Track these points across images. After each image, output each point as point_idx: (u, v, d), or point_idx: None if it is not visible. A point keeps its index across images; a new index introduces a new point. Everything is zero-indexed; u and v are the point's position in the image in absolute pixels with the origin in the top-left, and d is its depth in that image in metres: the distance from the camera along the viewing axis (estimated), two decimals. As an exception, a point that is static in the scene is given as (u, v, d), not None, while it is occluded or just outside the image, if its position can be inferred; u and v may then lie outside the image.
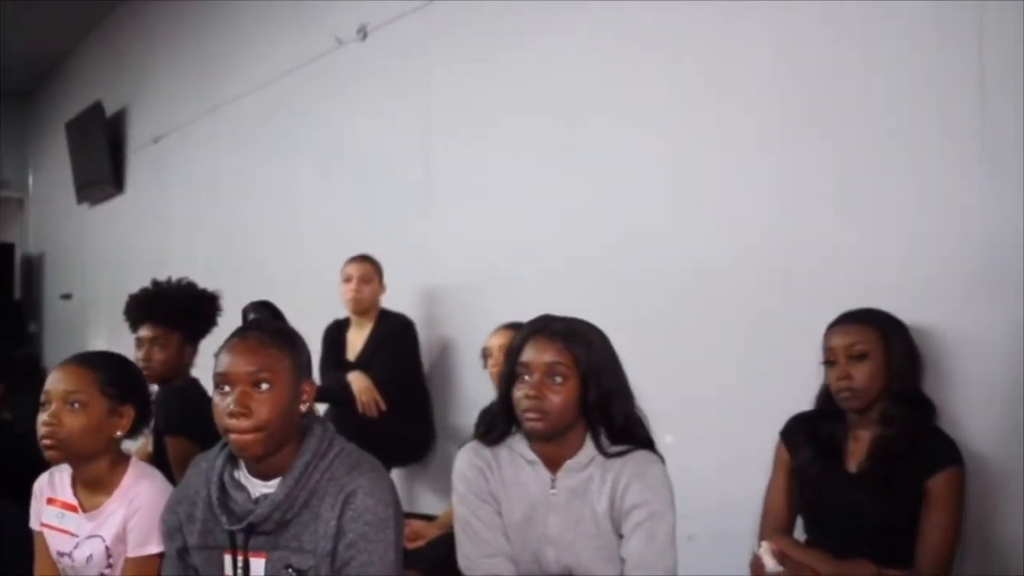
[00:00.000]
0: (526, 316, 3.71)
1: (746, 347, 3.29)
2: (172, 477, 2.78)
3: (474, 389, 4.32)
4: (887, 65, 2.92)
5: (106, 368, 2.39)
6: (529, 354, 2.24)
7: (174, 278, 3.67)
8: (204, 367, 2.83)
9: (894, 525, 2.57)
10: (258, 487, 2.08)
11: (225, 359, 2.03)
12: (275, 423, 2.01)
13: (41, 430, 2.31)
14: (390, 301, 4.60)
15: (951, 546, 2.56)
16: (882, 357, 2.64)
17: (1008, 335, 2.59)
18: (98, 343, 8.14)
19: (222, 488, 2.10)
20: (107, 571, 2.34)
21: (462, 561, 2.35)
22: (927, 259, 2.80)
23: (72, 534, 2.38)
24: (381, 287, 4.51)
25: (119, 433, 2.39)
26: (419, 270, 4.76)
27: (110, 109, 8.48)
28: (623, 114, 3.79)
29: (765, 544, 2.66)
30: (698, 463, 3.30)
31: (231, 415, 1.99)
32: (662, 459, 2.33)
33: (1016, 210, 2.60)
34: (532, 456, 2.31)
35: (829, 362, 2.70)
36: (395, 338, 4.48)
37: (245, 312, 2.24)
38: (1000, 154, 2.65)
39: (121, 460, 2.42)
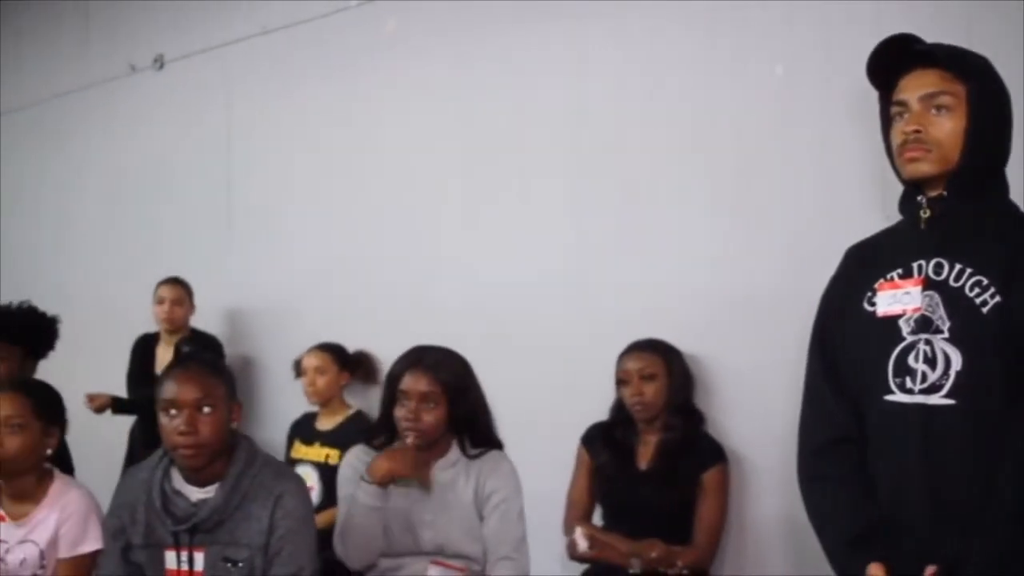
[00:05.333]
0: (328, 335, 4.23)
1: (544, 367, 3.90)
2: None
3: (277, 403, 4.75)
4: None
5: (37, 394, 2.72)
6: (407, 383, 2.77)
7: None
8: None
9: (676, 511, 3.27)
10: (194, 493, 2.47)
11: (172, 387, 2.42)
12: (215, 440, 2.42)
13: None
14: (194, 319, 4.91)
15: (721, 525, 3.31)
16: (665, 378, 3.35)
17: (761, 360, 3.33)
18: None
19: (164, 495, 2.48)
20: (40, 572, 2.65)
21: (339, 549, 2.81)
22: (697, 296, 3.52)
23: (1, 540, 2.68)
24: (191, 307, 4.82)
25: (49, 451, 2.71)
26: (222, 292, 5.08)
27: None
28: (415, 147, 4.38)
29: (579, 529, 3.29)
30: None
31: (180, 434, 2.38)
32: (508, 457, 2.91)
33: (769, 256, 3.36)
34: (412, 458, 2.83)
35: (623, 381, 3.37)
36: (204, 355, 4.81)
37: (178, 346, 2.62)
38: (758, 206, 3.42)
39: (45, 473, 2.74)
